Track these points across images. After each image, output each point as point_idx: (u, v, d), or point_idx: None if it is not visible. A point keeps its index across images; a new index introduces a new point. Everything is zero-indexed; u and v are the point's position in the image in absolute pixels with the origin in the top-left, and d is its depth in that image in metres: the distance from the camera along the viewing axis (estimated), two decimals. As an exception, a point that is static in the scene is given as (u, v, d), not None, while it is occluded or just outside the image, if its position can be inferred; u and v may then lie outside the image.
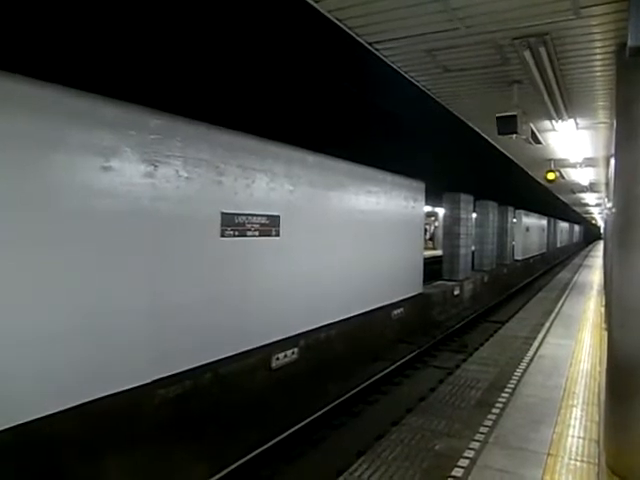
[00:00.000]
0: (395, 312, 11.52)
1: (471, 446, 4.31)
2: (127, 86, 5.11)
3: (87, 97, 4.97)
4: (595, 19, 3.78)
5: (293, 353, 7.86)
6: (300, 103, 7.11)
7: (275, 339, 7.60)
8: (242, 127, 6.75)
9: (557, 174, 10.70)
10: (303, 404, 7.00)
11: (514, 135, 5.63)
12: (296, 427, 6.30)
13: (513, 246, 25.38)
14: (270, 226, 7.50)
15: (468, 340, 11.81)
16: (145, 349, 5.60)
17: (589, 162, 11.10)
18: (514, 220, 25.26)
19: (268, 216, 7.46)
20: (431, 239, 34.91)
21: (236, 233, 6.86)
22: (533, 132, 7.24)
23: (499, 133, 5.67)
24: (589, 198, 22.41)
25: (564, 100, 5.92)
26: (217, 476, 5.14)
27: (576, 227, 63.38)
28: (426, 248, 19.45)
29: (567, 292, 15.15)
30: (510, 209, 23.54)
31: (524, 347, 7.87)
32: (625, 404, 3.66)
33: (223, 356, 6.61)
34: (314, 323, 8.61)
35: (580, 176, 13.70)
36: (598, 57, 4.61)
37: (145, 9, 4.70)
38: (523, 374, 6.41)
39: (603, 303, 11.25)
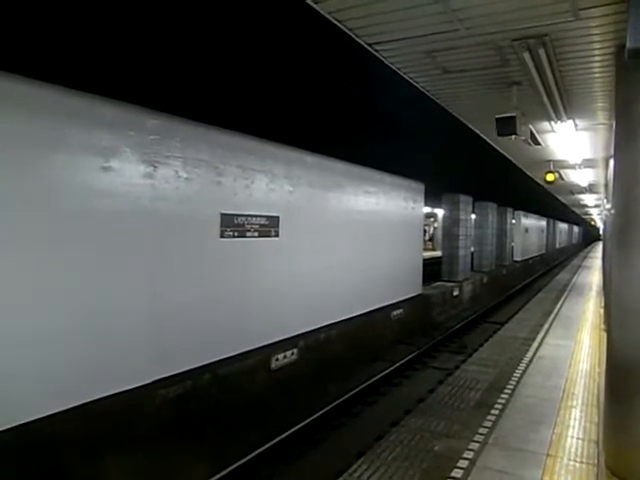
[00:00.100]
0: (394, 313, 11.52)
1: (470, 447, 4.32)
2: (126, 86, 5.11)
3: (87, 97, 4.97)
4: (594, 21, 3.80)
5: (292, 354, 7.87)
6: (300, 104, 7.12)
7: (275, 340, 7.61)
8: (242, 127, 6.76)
9: (556, 175, 10.71)
10: (303, 405, 7.00)
11: (513, 136, 5.64)
12: (296, 428, 6.30)
13: (512, 247, 25.40)
14: (270, 227, 7.51)
15: (467, 341, 11.82)
16: (145, 349, 5.60)
17: (588, 163, 11.12)
18: (513, 221, 25.28)
19: (267, 217, 7.46)
20: (430, 240, 34.92)
21: (236, 234, 6.86)
22: (532, 133, 7.25)
23: (498, 134, 5.67)
24: (588, 199, 22.42)
25: (563, 101, 5.93)
26: (217, 476, 5.14)
27: (575, 228, 63.42)
28: (425, 249, 19.46)
29: (566, 293, 15.16)
30: (509, 210, 23.56)
31: (523, 348, 7.87)
32: (624, 405, 3.66)
33: (223, 357, 6.61)
34: (313, 324, 8.61)
35: (579, 177, 13.72)
36: (597, 58, 4.62)
37: (145, 9, 4.70)
38: (522, 375, 6.41)
39: (602, 304, 11.26)
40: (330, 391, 7.70)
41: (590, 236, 78.13)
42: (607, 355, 4.06)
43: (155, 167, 5.73)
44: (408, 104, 8.07)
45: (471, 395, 5.71)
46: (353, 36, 4.21)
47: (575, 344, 8.20)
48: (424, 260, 14.12)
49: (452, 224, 16.66)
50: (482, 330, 13.17)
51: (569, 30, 3.99)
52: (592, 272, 23.40)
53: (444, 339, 11.81)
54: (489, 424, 4.82)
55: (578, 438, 4.54)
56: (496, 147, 9.64)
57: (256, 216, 7.23)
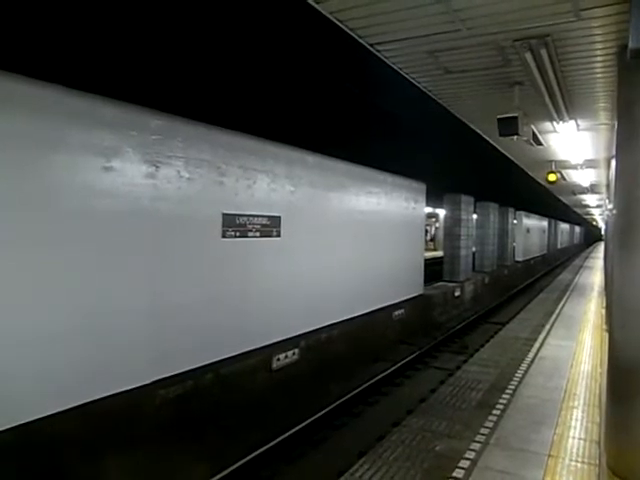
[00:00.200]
0: (396, 313, 11.52)
1: (472, 447, 4.32)
2: (128, 87, 5.12)
3: (89, 98, 4.99)
4: (596, 21, 3.79)
5: (294, 354, 7.87)
6: (301, 104, 7.12)
7: (276, 340, 7.61)
8: (243, 127, 6.77)
9: (558, 175, 10.70)
10: (304, 405, 7.00)
11: (515, 136, 5.64)
12: (297, 428, 6.30)
13: (514, 247, 25.37)
14: (271, 227, 7.51)
15: (469, 341, 11.81)
16: (146, 349, 5.61)
17: (590, 163, 11.10)
18: (515, 221, 25.25)
19: (269, 217, 7.47)
20: (432, 240, 34.91)
21: (237, 234, 6.86)
22: (534, 133, 7.24)
23: (500, 134, 5.67)
24: (590, 199, 22.38)
25: (565, 102, 5.92)
26: (218, 476, 5.14)
27: (577, 228, 63.36)
28: (427, 249, 19.45)
29: (568, 293, 15.14)
30: (511, 210, 23.54)
31: (525, 348, 7.87)
32: (626, 405, 3.66)
33: (224, 357, 6.62)
34: (315, 324, 8.61)
35: (581, 177, 13.69)
36: (599, 59, 4.62)
37: (146, 10, 4.70)
38: (524, 375, 6.41)
39: (604, 304, 11.25)
40: (331, 391, 7.70)
41: (592, 236, 78.01)
42: (609, 355, 4.06)
43: (157, 167, 5.74)
44: (410, 104, 8.08)
45: (472, 395, 5.70)
46: (355, 36, 4.21)
47: (577, 344, 8.19)
48: (426, 260, 14.11)
49: (454, 224, 16.65)
50: (483, 330, 13.16)
51: (571, 30, 3.99)
52: (594, 272, 23.37)
53: (445, 339, 11.81)
54: (490, 424, 4.82)
55: (579, 438, 4.53)
56: (498, 147, 9.63)
57: (258, 216, 7.23)
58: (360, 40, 4.30)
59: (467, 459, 4.10)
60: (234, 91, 6.06)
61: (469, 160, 12.92)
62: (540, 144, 8.16)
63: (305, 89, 7.01)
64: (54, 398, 4.72)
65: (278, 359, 7.51)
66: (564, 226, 48.52)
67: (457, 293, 15.67)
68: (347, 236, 9.67)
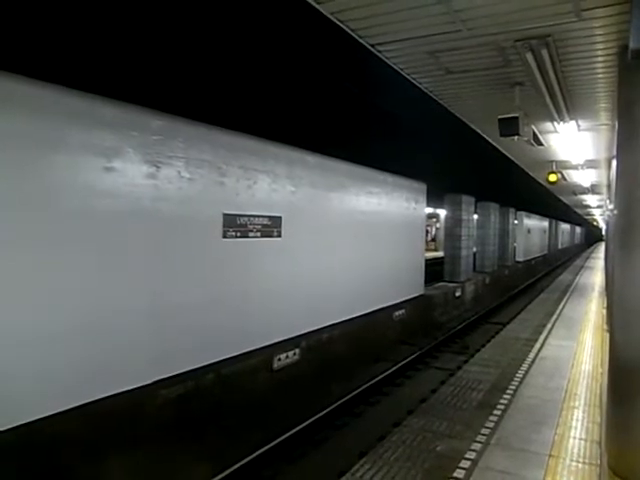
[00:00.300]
0: (397, 313, 11.52)
1: (473, 447, 4.32)
2: (130, 87, 5.13)
3: (90, 98, 4.99)
4: (597, 21, 3.79)
5: (295, 354, 7.87)
6: (302, 104, 7.13)
7: (277, 340, 7.62)
8: (244, 128, 6.77)
9: (559, 176, 10.69)
10: (305, 405, 7.00)
11: (516, 137, 5.64)
12: (298, 428, 6.30)
13: (514, 248, 25.37)
14: (272, 227, 7.52)
15: (469, 341, 11.80)
16: (147, 349, 5.62)
17: (591, 164, 11.10)
18: (515, 222, 25.25)
19: (270, 217, 7.47)
20: (433, 240, 34.89)
21: (238, 234, 6.87)
22: (535, 134, 7.24)
23: (501, 135, 5.67)
24: (591, 200, 22.38)
25: (566, 102, 5.92)
26: (219, 476, 5.15)
27: (577, 229, 63.34)
28: (428, 249, 19.45)
29: (568, 294, 15.14)
30: (511, 210, 23.54)
31: (525, 349, 7.87)
32: (627, 405, 3.65)
33: (225, 357, 6.62)
34: (316, 324, 8.62)
35: (582, 178, 13.69)
36: (600, 59, 4.62)
37: (148, 10, 4.71)
38: (525, 375, 6.41)
39: (604, 305, 11.24)
40: (332, 391, 7.70)
41: (592, 237, 77.98)
42: (609, 356, 4.05)
43: (158, 167, 5.74)
44: (410, 104, 8.08)
45: (473, 395, 5.71)
46: (356, 37, 4.22)
47: (577, 345, 8.19)
48: (426, 260, 14.11)
49: (454, 224, 16.65)
50: (484, 331, 13.16)
51: (572, 31, 3.99)
52: (594, 273, 23.36)
53: (446, 339, 11.80)
54: (491, 424, 4.82)
55: (580, 439, 4.54)
56: (498, 147, 9.63)
57: (258, 216, 7.24)
58: (361, 40, 4.31)
59: (468, 459, 4.10)
60: (235, 91, 6.06)
61: (470, 160, 12.93)
62: (541, 144, 8.16)
63: (306, 89, 7.01)
64: (55, 398, 4.73)
65: (279, 359, 7.51)
66: (565, 226, 48.51)
67: (458, 293, 15.66)
68: (348, 236, 9.67)
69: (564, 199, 24.23)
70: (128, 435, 5.24)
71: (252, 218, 7.13)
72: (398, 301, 11.76)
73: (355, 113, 8.21)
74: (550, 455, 4.19)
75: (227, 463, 5.34)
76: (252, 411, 6.59)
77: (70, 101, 4.88)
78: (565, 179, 13.57)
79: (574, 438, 4.55)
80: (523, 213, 26.53)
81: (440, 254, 21.38)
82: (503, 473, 3.87)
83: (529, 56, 4.40)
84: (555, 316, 10.96)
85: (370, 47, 4.45)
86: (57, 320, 4.80)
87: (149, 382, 5.61)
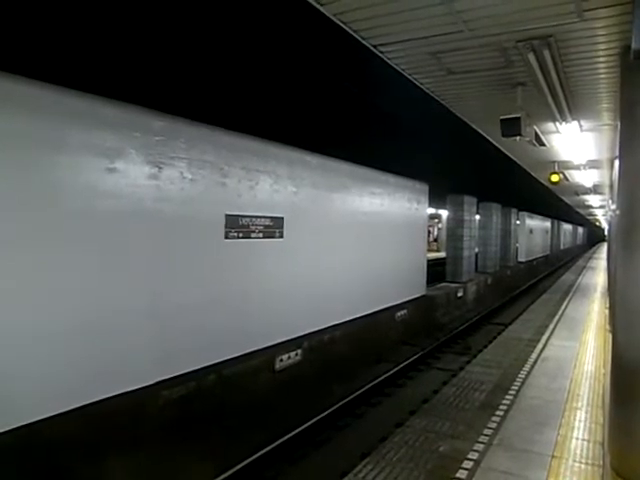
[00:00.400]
0: (399, 314, 11.52)
1: (475, 448, 4.32)
2: (132, 88, 5.13)
3: (92, 99, 5.00)
4: (599, 22, 3.79)
5: (297, 354, 7.87)
6: (304, 105, 7.13)
7: (279, 340, 7.62)
8: (246, 129, 6.78)
9: (561, 176, 10.68)
10: (307, 405, 7.00)
11: (518, 137, 5.64)
12: (300, 428, 6.30)
13: (517, 248, 25.35)
14: (274, 228, 7.52)
15: (472, 342, 11.80)
16: (149, 350, 5.62)
17: (593, 164, 11.09)
18: (517, 222, 25.22)
19: (272, 218, 7.48)
20: (435, 241, 34.91)
21: (240, 235, 6.88)
22: (537, 134, 7.24)
23: (503, 135, 5.67)
24: (593, 200, 22.35)
25: (568, 102, 5.92)
26: (222, 477, 5.15)
27: (579, 229, 63.25)
28: (430, 250, 19.45)
29: (571, 294, 15.12)
30: (513, 211, 23.52)
31: (528, 349, 7.86)
32: (630, 406, 3.65)
33: (227, 357, 6.63)
34: (318, 325, 8.62)
35: (584, 178, 13.68)
36: (602, 59, 4.62)
37: (150, 11, 4.72)
38: (527, 376, 6.40)
39: (607, 305, 11.22)
40: (334, 392, 7.70)
41: (595, 237, 77.87)
42: (612, 356, 4.05)
43: (160, 168, 5.75)
44: (412, 105, 8.08)
45: (475, 396, 5.70)
46: (358, 38, 4.22)
47: (580, 345, 8.18)
48: (428, 261, 14.11)
49: (456, 225, 16.64)
50: (486, 331, 13.15)
51: (574, 31, 3.99)
52: (597, 273, 23.32)
53: (448, 340, 11.79)
54: (494, 425, 4.82)
55: (583, 439, 4.53)
56: (500, 148, 9.63)
57: (260, 217, 7.25)
58: (363, 42, 4.32)
59: (470, 460, 4.10)
60: (237, 92, 6.07)
61: (472, 161, 12.92)
62: (543, 145, 8.17)
63: (308, 90, 7.01)
64: (56, 399, 4.73)
65: (281, 360, 7.51)
66: (567, 227, 48.45)
67: (460, 294, 15.66)
68: (350, 237, 9.67)
69: (566, 199, 24.20)
70: (130, 436, 5.24)
71: (254, 219, 7.14)
72: (400, 301, 11.76)
73: (357, 114, 8.21)
74: (553, 456, 4.19)
75: (229, 464, 5.34)
76: (254, 412, 6.59)
77: (72, 102, 4.89)
78: (567, 179, 13.56)
79: (577, 439, 4.54)
80: (525, 213, 26.51)
81: (442, 254, 21.36)
82: (506, 474, 3.87)
83: (531, 56, 4.40)
84: (557, 317, 10.95)
85: (372, 48, 4.46)
86: (58, 320, 4.81)
87: (151, 383, 5.62)
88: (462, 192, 16.26)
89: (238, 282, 6.93)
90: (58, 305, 4.82)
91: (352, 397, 7.53)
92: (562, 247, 44.24)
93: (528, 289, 22.01)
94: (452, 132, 9.53)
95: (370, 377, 8.47)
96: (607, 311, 10.45)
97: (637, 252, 3.68)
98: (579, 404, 5.43)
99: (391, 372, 8.88)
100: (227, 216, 6.66)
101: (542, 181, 14.64)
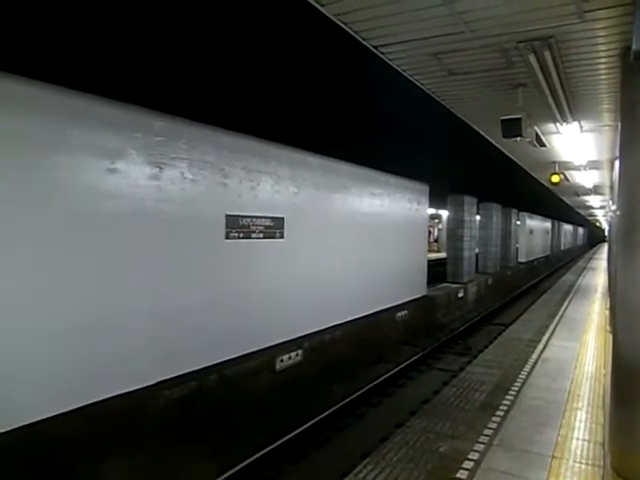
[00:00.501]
0: (399, 314, 11.52)
1: (475, 448, 4.32)
2: (133, 88, 5.14)
3: (93, 99, 5.01)
4: (600, 23, 3.80)
5: (297, 355, 7.88)
6: (305, 106, 7.14)
7: (279, 341, 7.63)
8: (247, 129, 6.78)
9: (561, 177, 10.69)
10: (307, 406, 7.00)
11: (518, 138, 5.65)
12: (301, 429, 6.31)
13: (517, 248, 25.35)
14: (275, 228, 7.53)
15: (472, 342, 11.79)
16: (150, 350, 5.63)
17: (593, 165, 11.10)
18: (518, 222, 25.23)
19: (272, 218, 7.49)
20: (436, 241, 34.92)
21: (241, 235, 6.88)
22: (537, 135, 7.25)
23: (504, 136, 5.68)
24: (593, 200, 22.36)
25: (569, 103, 5.93)
26: (223, 476, 5.15)
27: (580, 229, 63.23)
28: (431, 250, 19.45)
29: (571, 295, 15.12)
30: (514, 211, 23.52)
31: (528, 350, 7.86)
32: (630, 406, 3.65)
33: (228, 358, 6.64)
34: (318, 325, 8.63)
35: (584, 179, 13.69)
36: (603, 60, 4.63)
37: (152, 12, 4.73)
38: (527, 377, 6.41)
39: (607, 306, 11.22)
40: (335, 392, 7.71)
41: (595, 237, 77.88)
42: (612, 357, 4.05)
43: (161, 169, 5.76)
44: (413, 106, 8.08)
45: (476, 396, 5.70)
46: (359, 39, 4.23)
47: (580, 346, 8.18)
48: (429, 261, 14.11)
49: (457, 225, 16.64)
50: (487, 332, 13.15)
51: (575, 32, 4.00)
52: (597, 273, 23.31)
53: (449, 340, 11.79)
54: (494, 425, 4.82)
55: (584, 440, 4.53)
56: (501, 148, 9.63)
57: (261, 217, 7.25)
58: (364, 42, 4.32)
59: (471, 460, 4.10)
60: (238, 93, 6.07)
61: (472, 161, 12.92)
62: (543, 145, 8.18)
63: (309, 91, 7.02)
64: (57, 399, 4.74)
65: (281, 360, 7.52)
66: (567, 227, 48.45)
67: (460, 294, 15.66)
68: (350, 237, 9.68)
69: (567, 200, 24.20)
70: (131, 436, 5.25)
71: (255, 219, 7.14)
72: (401, 302, 11.77)
73: (357, 114, 8.22)
74: (553, 456, 4.19)
75: (230, 464, 5.35)
76: (254, 412, 6.59)
77: (73, 102, 4.89)
78: (568, 180, 13.58)
79: (577, 439, 4.55)
80: (525, 214, 26.51)
81: (443, 255, 21.36)
82: (506, 474, 3.87)
83: (532, 57, 4.41)
84: (558, 317, 10.95)
85: (373, 49, 4.47)
86: (59, 320, 4.81)
87: (152, 383, 5.63)
88: (462, 192, 16.26)
89: (239, 282, 6.94)
90: (59, 305, 4.82)
91: (352, 397, 7.53)
92: (562, 248, 44.24)
93: (528, 289, 22.01)
94: (453, 133, 9.54)
95: (370, 377, 8.47)
96: (607, 312, 10.45)
97: (637, 253, 3.68)
98: (579, 404, 5.43)
99: (391, 372, 8.88)
100: (228, 216, 6.67)
101: (542, 182, 14.65)
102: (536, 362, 7.12)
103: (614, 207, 9.42)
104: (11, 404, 4.37)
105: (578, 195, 19.86)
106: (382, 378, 8.52)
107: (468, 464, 4.03)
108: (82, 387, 4.96)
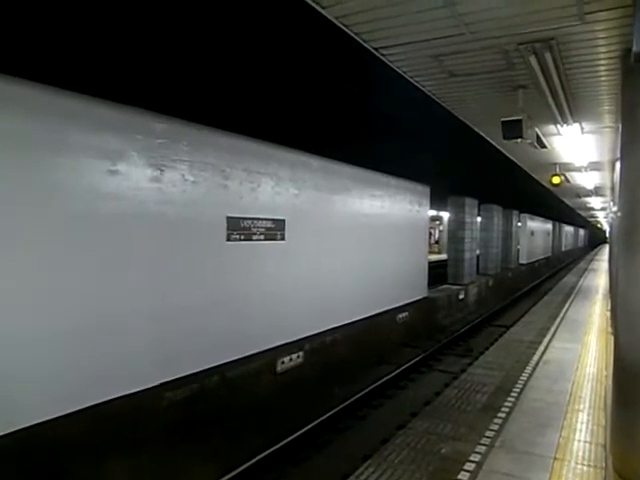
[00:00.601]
0: (400, 316, 11.52)
1: (477, 450, 4.32)
2: (134, 91, 5.15)
3: (95, 101, 5.02)
4: (600, 24, 3.81)
5: (298, 357, 7.88)
6: (305, 107, 7.15)
7: (280, 343, 7.62)
8: (248, 131, 6.79)
9: (562, 178, 10.69)
10: (308, 408, 7.00)
11: (519, 139, 5.65)
12: (302, 431, 6.30)
13: (518, 250, 25.34)
14: (276, 230, 7.53)
15: (473, 344, 11.78)
16: (151, 352, 5.63)
17: (594, 166, 11.10)
18: (519, 224, 25.22)
19: (273, 220, 7.49)
20: (437, 243, 34.94)
21: (242, 237, 6.89)
22: (538, 136, 7.25)
23: (504, 137, 5.69)
24: (594, 202, 22.36)
25: (569, 104, 5.93)
26: (224, 478, 5.15)
27: (581, 231, 63.18)
28: (431, 252, 19.44)
29: (572, 296, 15.11)
30: (515, 213, 23.52)
31: (529, 351, 7.86)
32: (632, 408, 3.65)
33: (229, 360, 6.64)
34: (319, 327, 8.62)
35: (585, 180, 13.69)
36: (603, 62, 4.63)
37: (153, 15, 4.74)
38: (529, 378, 6.40)
39: (609, 307, 11.21)
40: (336, 394, 7.70)
41: (596, 239, 77.85)
42: (614, 358, 4.05)
43: (162, 171, 5.77)
44: (414, 107, 8.09)
45: (477, 398, 5.70)
46: (360, 40, 4.24)
47: (582, 347, 8.18)
48: (430, 263, 14.11)
49: (457, 227, 16.63)
50: (488, 333, 13.14)
51: (575, 34, 4.01)
52: (598, 275, 23.30)
53: (450, 342, 11.79)
54: (496, 427, 4.81)
55: (585, 441, 4.53)
56: (502, 150, 9.64)
57: (262, 219, 7.26)
58: (365, 44, 4.33)
59: (472, 462, 4.10)
60: (240, 95, 6.08)
61: (473, 163, 12.92)
62: (544, 147, 8.18)
63: (310, 92, 7.03)
64: (58, 401, 4.73)
65: (282, 362, 7.52)
66: (568, 229, 48.42)
67: (461, 296, 15.65)
68: (351, 239, 9.68)
69: (567, 201, 24.20)
70: (132, 438, 5.25)
71: (256, 221, 7.15)
72: (401, 304, 11.76)
73: (358, 116, 8.23)
74: (555, 458, 4.19)
75: (231, 465, 5.35)
76: (256, 414, 6.59)
77: (74, 104, 4.89)
78: (569, 181, 13.59)
79: (579, 441, 4.54)
80: (526, 215, 26.49)
81: (443, 257, 21.35)
82: (508, 476, 3.87)
83: (532, 59, 4.41)
84: (559, 319, 10.94)
85: (374, 50, 4.47)
86: (59, 322, 4.81)
87: (154, 385, 5.63)
88: (463, 194, 16.26)
89: (240, 284, 6.94)
90: (59, 306, 4.82)
91: (353, 399, 7.52)
92: (563, 249, 44.21)
93: (529, 291, 21.99)
94: (453, 134, 9.55)
95: (371, 379, 8.46)
96: (609, 313, 10.45)
97: (638, 254, 3.68)
98: (581, 406, 5.43)
99: (392, 374, 8.87)
100: (229, 218, 6.68)
101: (543, 183, 14.66)
102: (537, 364, 7.11)
103: (615, 208, 9.42)
104: (11, 406, 4.36)
105: (579, 196, 19.87)
106: (383, 380, 8.51)
107: (470, 466, 4.03)
108: (83, 389, 4.95)
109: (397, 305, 11.53)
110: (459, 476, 3.87)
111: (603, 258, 36.09)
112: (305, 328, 8.25)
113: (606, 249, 35.23)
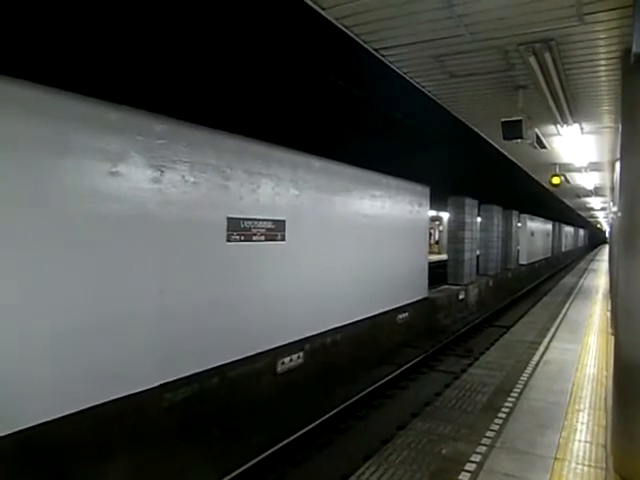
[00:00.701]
0: (400, 316, 11.52)
1: (478, 450, 4.31)
2: (135, 92, 5.16)
3: (96, 103, 5.02)
4: (600, 25, 3.82)
5: (298, 357, 7.88)
6: (306, 108, 7.15)
7: (281, 343, 7.63)
8: (248, 132, 6.80)
9: (562, 178, 10.70)
10: (309, 408, 7.00)
11: (519, 140, 5.66)
12: (302, 431, 6.30)
13: (518, 250, 25.34)
14: (276, 231, 7.54)
15: (473, 344, 11.78)
16: (152, 352, 5.63)
17: (594, 166, 11.11)
18: (519, 224, 25.23)
19: (274, 221, 7.50)
20: (437, 243, 34.96)
21: (242, 238, 6.89)
22: (538, 137, 7.26)
23: (504, 138, 5.70)
24: (594, 202, 22.39)
25: (569, 105, 5.94)
26: (225, 479, 5.15)
27: (581, 231, 63.20)
28: (431, 252, 19.45)
29: (572, 297, 15.11)
30: (515, 213, 23.52)
31: (530, 351, 7.86)
32: (632, 408, 3.66)
33: (230, 360, 6.64)
34: (319, 327, 8.62)
35: (585, 180, 13.71)
36: (603, 62, 4.64)
37: (154, 16, 4.74)
38: (529, 378, 6.40)
39: (609, 307, 11.22)
40: (336, 394, 7.70)
41: (596, 239, 77.88)
42: (614, 358, 4.06)
43: (162, 172, 5.77)
44: (414, 108, 8.10)
45: (478, 398, 5.70)
46: (360, 42, 4.25)
47: (582, 347, 8.18)
48: (430, 263, 14.11)
49: (457, 227, 16.63)
50: (488, 334, 13.14)
51: (575, 34, 4.02)
52: (598, 275, 23.31)
53: (450, 342, 11.78)
54: (496, 427, 4.81)
55: (586, 442, 4.53)
56: (502, 150, 9.65)
57: (262, 220, 7.26)
58: (365, 45, 4.34)
59: (473, 462, 4.09)
60: (240, 96, 6.08)
61: (473, 163, 12.91)
62: (544, 147, 8.19)
63: (309, 93, 7.03)
64: (58, 402, 4.73)
65: (283, 362, 7.52)
66: (568, 229, 48.43)
67: (461, 296, 15.66)
68: (351, 240, 9.69)
69: (567, 202, 24.23)
70: (133, 438, 5.25)
71: (256, 222, 7.15)
72: (402, 304, 11.77)
73: (358, 116, 8.23)
74: (555, 458, 4.19)
75: (232, 466, 5.35)
76: (256, 414, 6.60)
77: (74, 105, 4.89)
78: (568, 182, 13.61)
79: (579, 441, 4.54)
80: (526, 216, 26.50)
81: (444, 257, 21.35)
82: (508, 476, 3.87)
83: (532, 60, 4.42)
84: (559, 319, 10.94)
85: (374, 51, 4.49)
86: (60, 322, 4.81)
87: (154, 385, 5.63)
88: (463, 194, 16.26)
89: (240, 285, 6.94)
90: (59, 307, 4.82)
91: (354, 400, 7.52)
92: (563, 249, 44.22)
93: (530, 292, 21.99)
94: (453, 134, 9.55)
95: (372, 380, 8.47)
96: (609, 313, 10.45)
97: (638, 254, 3.69)
98: (581, 406, 5.43)
99: (393, 375, 8.87)
100: (229, 219, 6.68)
101: (543, 183, 14.68)
102: (538, 364, 7.11)
103: (615, 209, 9.43)
104: (11, 407, 4.37)
105: (579, 197, 19.89)
106: (383, 380, 8.51)
107: (470, 466, 4.03)
108: (83, 389, 4.95)
109: (397, 305, 11.53)
110: (460, 476, 3.87)
111: (603, 258, 36.11)
112: (305, 328, 8.25)
113: (606, 249, 35.25)
